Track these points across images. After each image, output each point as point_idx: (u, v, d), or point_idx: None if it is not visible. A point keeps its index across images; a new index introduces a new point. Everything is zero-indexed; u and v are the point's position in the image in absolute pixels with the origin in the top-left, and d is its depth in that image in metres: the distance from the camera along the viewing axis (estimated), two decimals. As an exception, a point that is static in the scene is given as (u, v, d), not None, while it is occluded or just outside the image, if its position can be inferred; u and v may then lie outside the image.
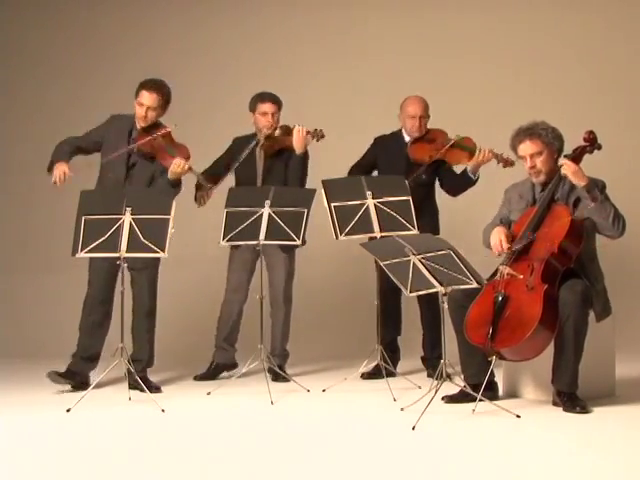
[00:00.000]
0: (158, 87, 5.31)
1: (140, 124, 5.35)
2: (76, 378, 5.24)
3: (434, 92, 6.38)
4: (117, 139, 5.34)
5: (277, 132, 5.66)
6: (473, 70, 7.16)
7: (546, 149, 4.73)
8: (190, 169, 5.26)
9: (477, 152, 5.53)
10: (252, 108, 5.72)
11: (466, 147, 5.60)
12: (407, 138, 5.74)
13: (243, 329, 5.79)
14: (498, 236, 4.75)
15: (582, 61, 7.10)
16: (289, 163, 5.65)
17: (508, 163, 5.50)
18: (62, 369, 5.30)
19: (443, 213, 5.81)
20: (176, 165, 5.21)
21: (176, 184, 5.31)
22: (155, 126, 5.34)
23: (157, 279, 5.40)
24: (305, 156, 5.65)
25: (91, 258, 5.25)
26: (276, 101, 5.69)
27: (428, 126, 5.74)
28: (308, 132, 5.58)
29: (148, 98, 5.28)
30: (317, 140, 5.62)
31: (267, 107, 5.67)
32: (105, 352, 5.34)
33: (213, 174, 5.67)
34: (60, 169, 5.23)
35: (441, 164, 5.70)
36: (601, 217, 4.59)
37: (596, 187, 4.60)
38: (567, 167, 4.64)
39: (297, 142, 5.58)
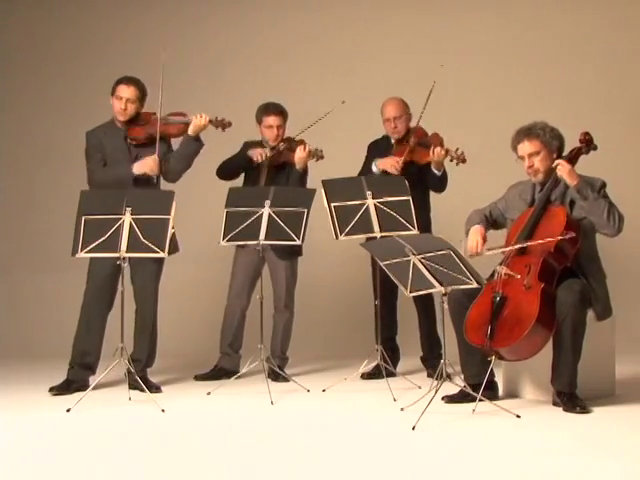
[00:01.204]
0: (135, 81, 5.37)
1: (119, 119, 5.36)
2: (73, 387, 5.20)
3: (434, 93, 6.37)
4: (118, 149, 5.35)
5: (282, 145, 5.68)
6: (472, 70, 7.16)
7: (544, 149, 4.76)
8: (211, 121, 5.37)
9: (432, 153, 5.52)
10: (258, 120, 5.77)
11: (426, 144, 5.61)
12: (393, 140, 5.76)
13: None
14: (475, 237, 4.81)
15: (581, 61, 7.10)
16: (290, 178, 5.68)
17: (460, 159, 5.52)
18: (61, 368, 5.30)
19: (442, 212, 5.80)
20: (197, 119, 5.32)
21: (198, 138, 5.38)
22: (137, 117, 5.37)
23: (159, 278, 5.40)
24: (304, 172, 5.69)
25: (90, 261, 5.24)
26: (281, 113, 5.72)
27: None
28: (311, 151, 5.60)
29: (126, 91, 5.33)
30: (316, 160, 5.65)
31: (272, 120, 5.70)
32: (105, 352, 5.33)
33: (226, 169, 5.76)
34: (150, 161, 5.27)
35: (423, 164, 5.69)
36: (595, 215, 4.61)
37: (588, 186, 4.62)
38: (562, 167, 4.68)
39: (298, 158, 5.61)
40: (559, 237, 4.53)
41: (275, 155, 5.67)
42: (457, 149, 5.50)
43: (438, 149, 5.50)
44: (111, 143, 5.35)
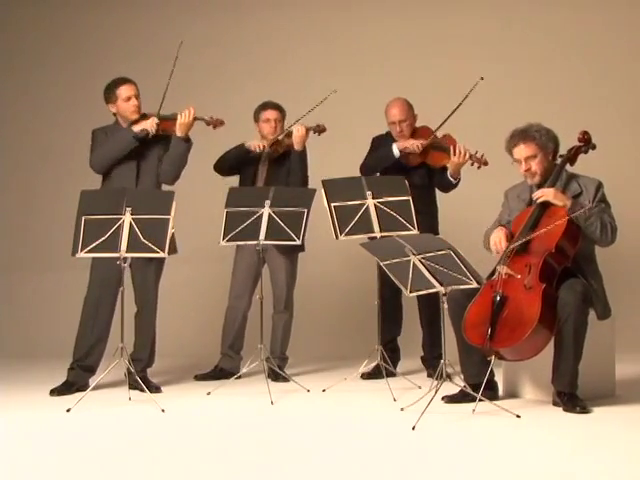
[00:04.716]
0: (130, 80, 5.37)
1: (134, 117, 5.34)
2: (73, 388, 5.19)
3: (433, 92, 6.38)
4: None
5: (281, 135, 5.70)
6: (471, 70, 7.14)
7: (540, 152, 4.76)
8: (196, 118, 5.33)
9: (453, 154, 5.45)
10: (256, 118, 5.80)
11: (444, 147, 5.53)
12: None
13: (243, 329, 5.79)
14: (498, 235, 4.77)
15: (579, 61, 7.10)
16: (290, 164, 5.67)
17: (482, 163, 5.47)
18: (62, 369, 5.29)
19: (443, 213, 5.80)
20: (183, 116, 5.28)
21: (187, 139, 5.34)
22: (143, 116, 5.38)
23: (160, 279, 5.39)
24: (303, 152, 5.68)
25: (92, 267, 5.24)
26: (278, 108, 5.75)
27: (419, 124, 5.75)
28: (308, 129, 5.63)
29: (130, 88, 5.33)
30: (319, 134, 5.69)
31: (269, 114, 5.73)
32: (105, 352, 5.32)
33: (223, 162, 5.77)
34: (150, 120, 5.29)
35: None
36: (588, 234, 4.62)
37: (578, 205, 4.58)
38: (545, 196, 4.66)
39: (296, 139, 5.61)
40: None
41: (275, 146, 5.67)
42: (477, 152, 5.45)
43: (462, 150, 5.41)
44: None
